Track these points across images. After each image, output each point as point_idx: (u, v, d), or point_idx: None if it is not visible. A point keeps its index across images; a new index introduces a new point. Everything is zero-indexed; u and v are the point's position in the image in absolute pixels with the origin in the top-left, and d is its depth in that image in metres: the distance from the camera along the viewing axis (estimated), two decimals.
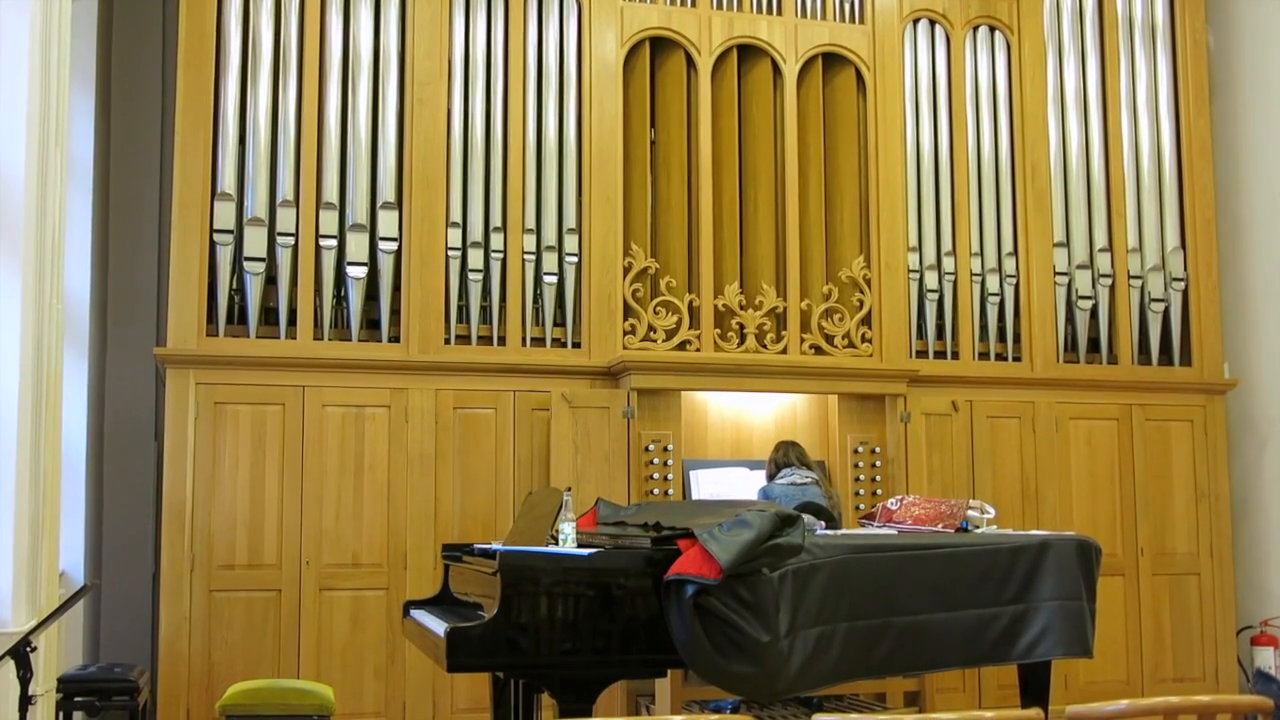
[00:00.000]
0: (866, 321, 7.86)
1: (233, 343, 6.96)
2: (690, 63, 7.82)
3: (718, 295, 7.64)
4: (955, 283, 8.08)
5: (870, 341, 7.84)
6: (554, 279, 7.43)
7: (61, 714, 6.05)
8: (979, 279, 8.14)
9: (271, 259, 7.03)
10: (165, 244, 7.43)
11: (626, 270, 7.53)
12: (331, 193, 7.16)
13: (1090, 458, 8.11)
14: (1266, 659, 8.04)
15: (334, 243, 7.12)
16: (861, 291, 7.87)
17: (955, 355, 8.06)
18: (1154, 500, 8.19)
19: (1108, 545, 7.21)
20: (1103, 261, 8.35)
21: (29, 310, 5.39)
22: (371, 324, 7.24)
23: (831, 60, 8.10)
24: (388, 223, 7.19)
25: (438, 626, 4.55)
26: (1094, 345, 8.37)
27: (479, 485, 7.18)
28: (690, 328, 7.58)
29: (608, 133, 7.60)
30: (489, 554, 4.74)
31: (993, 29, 8.39)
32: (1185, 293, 8.51)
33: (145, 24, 8.24)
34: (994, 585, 5.00)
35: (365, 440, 7.05)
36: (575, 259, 7.47)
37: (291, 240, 7.05)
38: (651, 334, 7.50)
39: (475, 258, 7.32)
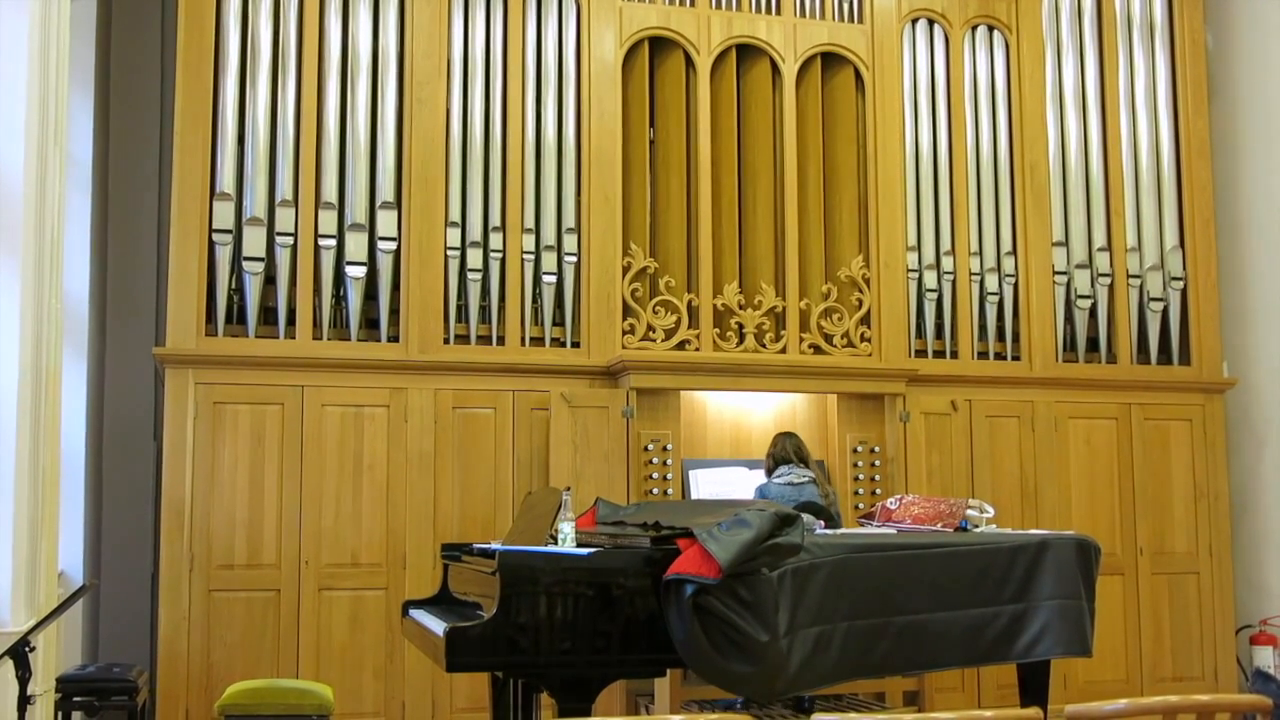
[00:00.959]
0: (865, 321, 7.87)
1: (232, 342, 6.96)
2: (689, 62, 7.82)
3: (717, 295, 7.64)
4: (954, 282, 8.08)
5: (869, 341, 7.84)
6: (553, 279, 7.43)
7: (60, 714, 6.04)
8: (978, 278, 8.14)
9: (270, 259, 7.03)
10: (164, 244, 7.42)
11: (625, 270, 7.53)
12: (330, 192, 7.16)
13: (1089, 457, 8.11)
14: (1265, 658, 8.05)
15: (333, 242, 7.12)
16: (860, 291, 7.87)
17: (954, 355, 8.06)
18: (1153, 499, 8.20)
19: (1107, 544, 7.21)
20: (1101, 261, 8.35)
21: (28, 310, 5.39)
22: (370, 324, 7.24)
23: (830, 60, 8.10)
24: (387, 222, 7.19)
25: (437, 626, 4.55)
26: (1093, 344, 8.37)
27: (478, 485, 7.18)
28: (689, 327, 7.58)
29: (607, 132, 7.60)
30: (488, 554, 4.74)
31: (991, 28, 8.39)
32: (1184, 292, 8.51)
33: (144, 24, 8.24)
34: (993, 584, 5.00)
35: (364, 440, 7.05)
36: (574, 259, 7.47)
37: (290, 240, 7.05)
38: (650, 333, 7.50)
39: (474, 257, 7.32)
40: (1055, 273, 8.25)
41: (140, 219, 8.11)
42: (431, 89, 7.37)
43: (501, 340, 7.36)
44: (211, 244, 6.95)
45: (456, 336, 7.31)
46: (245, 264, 6.94)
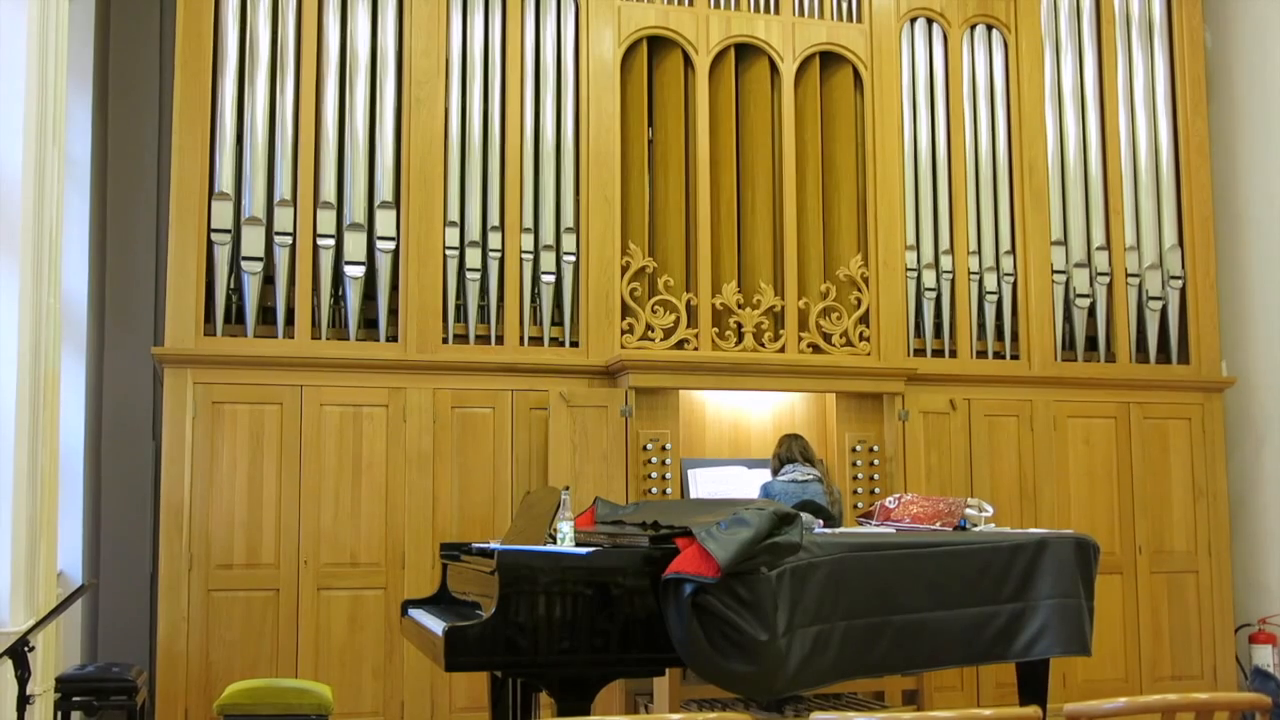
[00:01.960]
0: (864, 320, 7.87)
1: (230, 342, 6.96)
2: (688, 62, 7.81)
3: (715, 294, 7.64)
4: (953, 281, 8.08)
5: (868, 340, 7.84)
6: (552, 278, 7.43)
7: (59, 713, 6.04)
8: (977, 277, 8.14)
9: (269, 258, 7.03)
10: (163, 243, 7.42)
11: (624, 269, 7.53)
12: (329, 192, 7.16)
13: (1088, 456, 8.11)
14: (1265, 657, 8.05)
15: (332, 242, 7.12)
16: (859, 290, 7.87)
17: (953, 354, 8.06)
18: (1152, 498, 8.20)
19: (1106, 543, 7.22)
20: (1100, 260, 8.35)
21: (26, 310, 5.39)
22: (369, 323, 7.24)
23: (829, 59, 8.10)
24: (385, 222, 7.19)
25: (436, 626, 4.55)
26: (1092, 343, 8.37)
27: (477, 484, 7.18)
28: (688, 327, 7.58)
29: (605, 132, 7.60)
30: (487, 553, 4.74)
31: (990, 27, 8.39)
32: (1183, 290, 8.51)
33: (142, 23, 8.23)
34: (992, 583, 5.00)
35: (363, 439, 7.05)
36: (573, 258, 7.47)
37: (289, 240, 7.05)
38: (649, 333, 7.50)
39: (473, 257, 7.32)
40: (1054, 272, 8.25)
41: (139, 219, 8.10)
42: (430, 88, 7.37)
43: (500, 340, 7.36)
44: (210, 244, 6.94)
45: (455, 336, 7.30)
46: (244, 264, 6.94)
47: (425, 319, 7.21)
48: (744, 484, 7.00)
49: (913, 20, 8.24)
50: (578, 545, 4.45)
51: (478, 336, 7.33)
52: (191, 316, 6.88)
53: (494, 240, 7.37)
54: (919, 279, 8.04)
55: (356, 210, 7.17)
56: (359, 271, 7.11)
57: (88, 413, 7.39)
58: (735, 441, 7.57)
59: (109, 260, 8.00)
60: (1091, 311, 8.34)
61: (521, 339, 7.38)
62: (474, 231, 7.35)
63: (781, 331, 7.72)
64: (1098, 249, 8.37)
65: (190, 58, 7.02)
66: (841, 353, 7.74)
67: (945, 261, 8.08)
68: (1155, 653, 8.09)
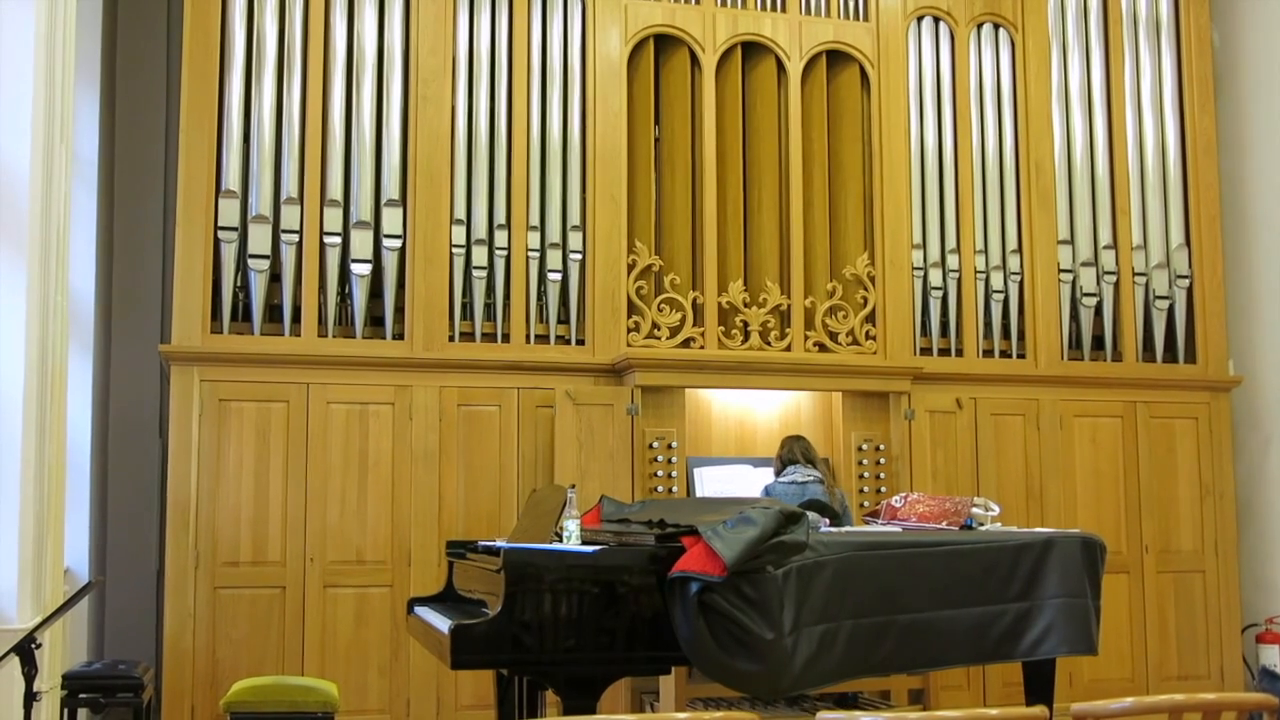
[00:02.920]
0: (870, 319, 7.86)
1: (237, 340, 6.97)
2: (694, 60, 7.81)
3: (722, 292, 7.64)
4: (959, 280, 8.08)
5: (874, 339, 7.83)
6: (558, 276, 7.43)
7: (66, 711, 6.05)
8: (983, 276, 8.13)
9: (276, 256, 7.03)
10: (170, 241, 7.43)
11: (630, 267, 7.53)
12: (336, 190, 7.16)
13: (1095, 455, 8.10)
14: (1272, 657, 8.04)
15: (338, 240, 7.12)
16: (865, 289, 7.86)
17: (959, 353, 8.05)
18: (1159, 498, 8.19)
19: (1112, 543, 7.21)
20: (1107, 259, 8.34)
21: (34, 307, 5.40)
22: (376, 321, 7.24)
23: (836, 57, 8.09)
24: (392, 220, 7.20)
25: (442, 624, 4.55)
26: (1098, 342, 8.36)
27: (483, 482, 7.19)
28: (694, 325, 7.58)
29: (612, 130, 7.59)
30: (493, 551, 4.74)
31: (997, 26, 8.38)
32: (1190, 290, 8.49)
33: (150, 21, 8.24)
34: (998, 583, 4.99)
35: (369, 437, 7.06)
36: (579, 256, 7.47)
37: (296, 237, 7.06)
38: (655, 331, 7.50)
39: (479, 255, 7.32)
40: (1061, 270, 8.24)
41: (146, 216, 8.12)
42: (437, 86, 7.37)
43: (506, 338, 7.36)
44: (217, 241, 6.95)
45: (461, 334, 7.31)
46: (250, 261, 6.95)
47: (431, 317, 7.22)
48: (750, 483, 6.99)
49: (920, 19, 8.24)
50: (584, 543, 4.45)
51: (484, 334, 7.33)
52: (198, 314, 6.89)
53: (500, 238, 7.38)
54: (925, 278, 8.03)
55: (363, 208, 7.17)
56: (365, 269, 7.11)
57: (95, 410, 7.40)
58: (741, 440, 7.57)
59: (116, 258, 8.02)
60: (1098, 311, 8.33)
61: (527, 337, 7.38)
62: (480, 229, 7.35)
63: (788, 330, 7.71)
64: (1104, 248, 8.36)
65: (197, 56, 7.03)
66: (848, 351, 7.74)
67: (952, 260, 8.08)
68: (1162, 652, 8.08)
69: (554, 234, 7.45)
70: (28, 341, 5.34)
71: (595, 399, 7.17)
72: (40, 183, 5.48)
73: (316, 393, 7.01)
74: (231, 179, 7.00)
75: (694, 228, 7.72)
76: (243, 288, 7.02)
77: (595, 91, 7.61)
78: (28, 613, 5.27)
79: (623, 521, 5.16)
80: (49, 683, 5.52)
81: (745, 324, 7.64)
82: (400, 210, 7.23)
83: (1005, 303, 8.15)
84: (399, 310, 7.23)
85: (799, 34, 7.95)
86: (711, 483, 7.14)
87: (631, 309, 7.51)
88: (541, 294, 7.45)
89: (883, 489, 7.42)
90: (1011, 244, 8.21)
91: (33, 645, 4.49)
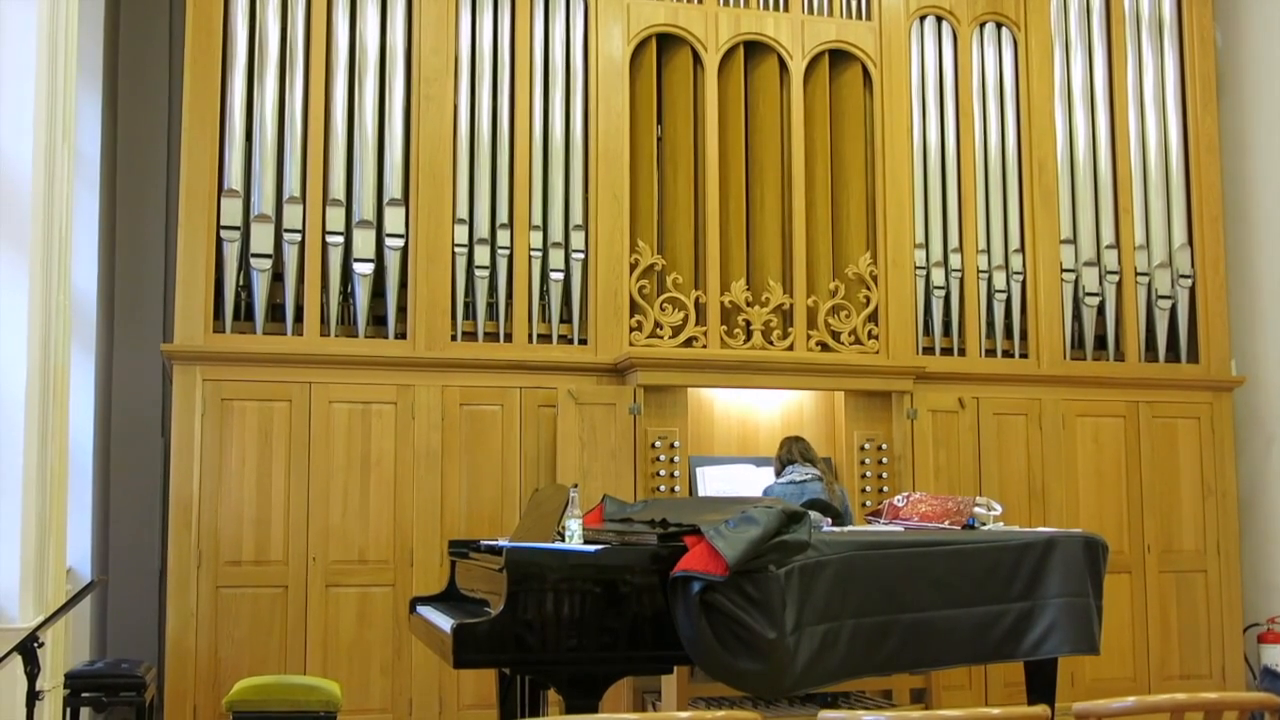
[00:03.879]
0: (873, 318, 7.86)
1: (239, 339, 6.97)
2: (697, 59, 7.81)
3: (724, 292, 7.64)
4: (962, 279, 8.07)
5: (877, 338, 7.83)
6: (560, 275, 7.43)
7: (69, 710, 6.06)
8: (986, 276, 8.13)
9: (278, 255, 7.03)
10: (172, 240, 7.43)
11: (633, 267, 7.53)
12: (338, 189, 7.16)
13: (1097, 455, 8.10)
14: (1274, 656, 8.03)
15: (341, 239, 7.12)
16: (868, 288, 7.86)
17: (962, 352, 8.05)
18: (1161, 497, 8.18)
19: (1114, 542, 7.21)
20: (1110, 258, 8.34)
21: (36, 306, 5.40)
22: (378, 320, 7.24)
23: (838, 57, 8.09)
24: (394, 219, 7.20)
25: (444, 623, 4.55)
26: (1101, 342, 8.36)
27: (485, 482, 7.19)
28: (696, 324, 7.58)
29: (614, 129, 7.60)
30: (495, 550, 4.74)
31: (999, 25, 8.38)
32: (1192, 289, 8.49)
33: (152, 20, 8.25)
34: (1000, 582, 4.99)
35: (372, 437, 7.06)
36: (582, 255, 7.47)
37: (298, 237, 7.06)
38: (658, 330, 7.50)
39: (482, 254, 7.32)
40: (1063, 270, 8.24)
41: (148, 215, 8.13)
42: (439, 86, 7.38)
43: (509, 337, 7.36)
44: (219, 240, 6.95)
45: (464, 333, 7.31)
46: (253, 260, 6.95)
47: (434, 316, 7.22)
48: (752, 482, 7.00)
49: (922, 18, 8.23)
50: (586, 543, 4.45)
51: (486, 334, 7.33)
52: (201, 313, 6.89)
53: (503, 238, 7.38)
54: (928, 277, 8.03)
55: (365, 207, 7.17)
56: (368, 269, 7.11)
57: (97, 409, 7.41)
58: (743, 439, 7.57)
59: (118, 257, 8.02)
60: (1100, 310, 8.32)
61: (530, 336, 7.38)
62: (483, 229, 7.35)
63: (790, 329, 7.71)
64: (1107, 248, 8.35)
65: (200, 55, 7.03)
66: (850, 351, 7.74)
67: (954, 260, 8.07)
68: (1164, 652, 8.07)
69: (556, 233, 7.46)
70: (30, 340, 5.35)
71: (597, 398, 7.17)
72: (42, 181, 5.48)
73: (319, 392, 7.01)
74: (234, 178, 7.00)
75: (696, 227, 7.72)
76: (245, 287, 7.03)
77: (597, 91, 7.61)
78: (30, 612, 5.27)
79: (625, 521, 5.16)
80: (51, 682, 5.53)
81: (748, 323, 7.64)
82: (402, 209, 7.23)
83: (1008, 302, 8.15)
84: (401, 310, 7.23)
85: (801, 33, 7.95)
86: (714, 482, 7.14)
87: (634, 308, 7.51)
88: (544, 293, 7.46)
89: (885, 488, 7.42)
90: (1014, 243, 8.21)
91: (35, 644, 4.49)
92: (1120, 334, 8.36)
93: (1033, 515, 7.85)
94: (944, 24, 8.29)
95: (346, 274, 7.16)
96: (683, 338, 7.52)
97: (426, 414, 7.14)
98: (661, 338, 7.49)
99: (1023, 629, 5.00)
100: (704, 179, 7.71)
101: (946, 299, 8.05)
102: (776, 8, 7.97)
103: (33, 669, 4.47)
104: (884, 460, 7.52)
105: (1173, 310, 8.43)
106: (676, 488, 7.17)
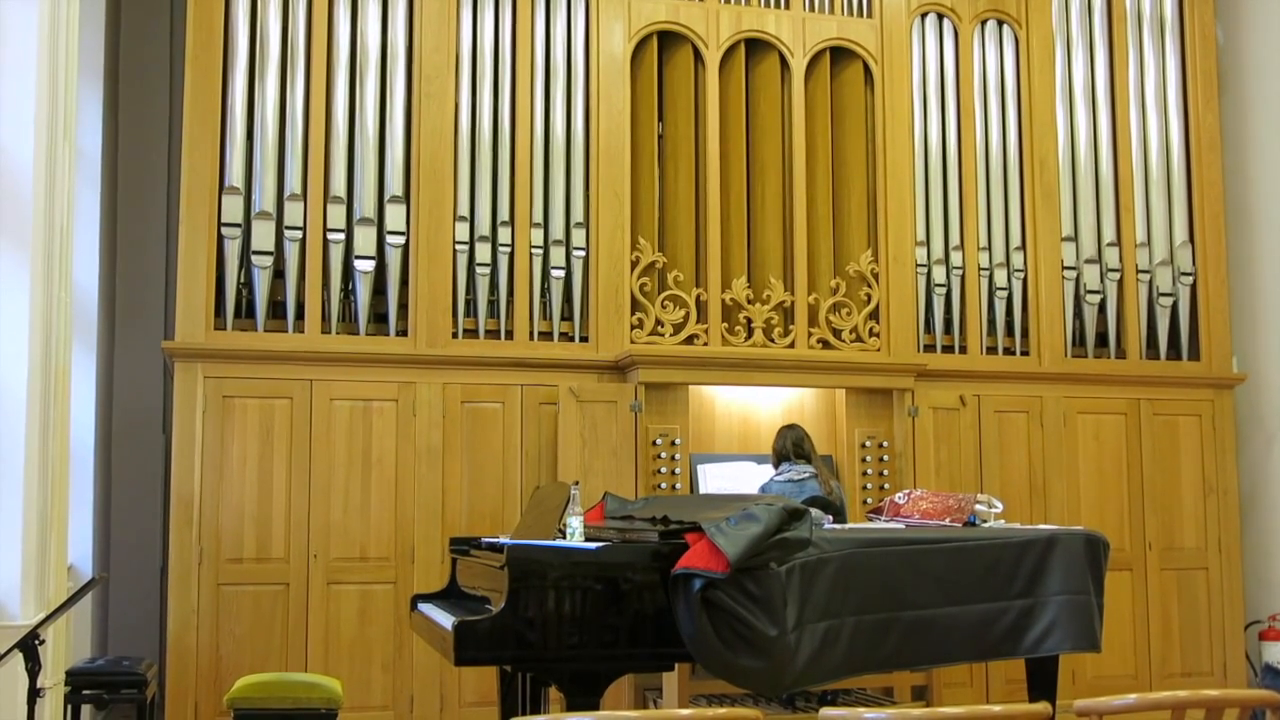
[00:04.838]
0: (874, 316, 7.86)
1: (241, 336, 6.97)
2: (698, 57, 7.81)
3: (725, 289, 7.64)
4: (963, 277, 8.07)
5: (878, 336, 7.83)
6: (561, 273, 7.43)
7: (70, 707, 6.06)
8: (987, 273, 8.13)
9: (279, 253, 7.03)
10: (173, 237, 7.43)
11: (634, 264, 7.53)
12: (339, 187, 7.16)
13: (1098, 452, 8.10)
14: (1275, 653, 8.03)
15: (342, 236, 7.12)
16: (869, 286, 7.86)
17: (963, 350, 8.04)
18: (1162, 495, 8.18)
19: (1115, 540, 7.21)
20: (1111, 256, 8.34)
21: (38, 303, 5.40)
22: (379, 318, 7.24)
23: (839, 54, 8.08)
24: (395, 217, 7.20)
25: (445, 620, 4.55)
26: (1102, 340, 8.36)
27: (486, 479, 7.19)
28: (698, 322, 7.57)
29: (615, 127, 7.59)
30: (496, 548, 4.74)
31: (1001, 23, 8.37)
32: (1193, 287, 8.49)
33: (153, 18, 8.25)
34: (1001, 579, 4.99)
35: (373, 434, 7.06)
36: (583, 253, 7.47)
37: (299, 234, 7.06)
38: (659, 328, 7.50)
39: (483, 252, 7.32)
40: (1064, 268, 8.23)
41: (149, 213, 8.13)
42: (440, 83, 7.37)
43: (510, 335, 7.36)
44: (220, 238, 6.95)
45: (465, 331, 7.31)
46: (254, 258, 6.95)
47: (435, 314, 7.22)
48: (753, 479, 7.00)
49: (923, 15, 8.23)
50: (587, 540, 4.45)
51: (487, 331, 7.33)
52: (202, 311, 6.89)
53: (504, 235, 7.38)
54: (929, 275, 8.03)
55: (366, 205, 7.17)
56: (369, 266, 7.11)
57: (98, 406, 7.41)
58: (745, 437, 7.57)
59: (120, 254, 8.03)
60: (1102, 308, 8.32)
61: (531, 334, 7.38)
62: (484, 226, 7.35)
63: (791, 327, 7.71)
64: (1108, 245, 8.35)
65: (201, 52, 7.03)
66: (851, 348, 7.74)
67: (955, 257, 8.07)
68: (1165, 649, 8.07)
69: (557, 231, 7.45)
70: (31, 338, 5.35)
71: (599, 396, 7.17)
72: (44, 179, 5.48)
73: (320, 389, 7.01)
74: (235, 175, 6.99)
75: (697, 224, 7.72)
76: (246, 284, 7.03)
77: (599, 88, 7.61)
78: (31, 609, 5.28)
79: (626, 518, 5.16)
80: (52, 679, 5.53)
81: (749, 321, 7.64)
82: (403, 207, 7.23)
83: (1009, 300, 8.15)
84: (402, 307, 7.23)
85: (802, 31, 7.95)
86: (715, 479, 7.14)
87: (635, 306, 7.51)
88: (545, 291, 7.46)
89: (886, 486, 7.42)
90: (1015, 241, 8.21)
91: (36, 642, 4.50)
92: (1121, 331, 8.36)
93: (1034, 513, 7.85)
94: (945, 21, 8.28)
95: (348, 271, 7.16)
96: (684, 335, 7.52)
97: (428, 411, 7.14)
98: (663, 335, 7.49)
99: (1024, 626, 5.00)
100: (705, 176, 7.70)
101: (948, 296, 8.05)
102: (778, 5, 7.96)
103: (34, 666, 4.47)
104: (885, 458, 7.52)
105: (1174, 308, 8.42)
106: (677, 485, 7.17)
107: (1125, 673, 7.92)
